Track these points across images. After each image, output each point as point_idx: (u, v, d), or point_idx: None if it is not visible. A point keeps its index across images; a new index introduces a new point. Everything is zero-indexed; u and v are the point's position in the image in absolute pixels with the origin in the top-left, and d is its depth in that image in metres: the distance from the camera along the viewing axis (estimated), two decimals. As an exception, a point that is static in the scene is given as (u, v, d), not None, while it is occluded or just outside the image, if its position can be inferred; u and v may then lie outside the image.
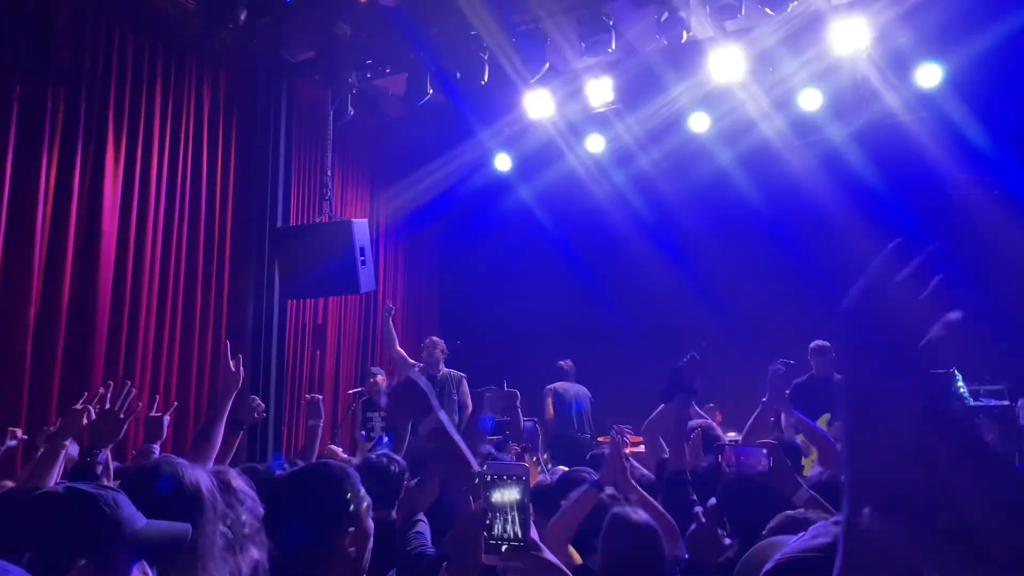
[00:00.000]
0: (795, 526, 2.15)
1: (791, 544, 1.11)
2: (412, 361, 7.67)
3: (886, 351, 0.75)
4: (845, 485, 0.78)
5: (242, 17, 7.41)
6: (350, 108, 8.41)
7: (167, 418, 3.54)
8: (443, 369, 7.58)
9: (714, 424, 5.32)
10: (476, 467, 1.80)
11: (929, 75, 8.15)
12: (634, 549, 2.39)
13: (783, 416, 4.93)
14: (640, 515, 2.47)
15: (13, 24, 6.53)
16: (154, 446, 3.39)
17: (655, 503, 2.94)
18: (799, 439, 5.60)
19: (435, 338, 7.77)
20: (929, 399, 0.73)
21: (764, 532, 2.27)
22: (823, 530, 1.03)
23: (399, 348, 7.88)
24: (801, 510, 2.33)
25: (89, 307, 6.96)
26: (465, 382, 7.54)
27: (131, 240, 7.34)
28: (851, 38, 7.53)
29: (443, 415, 1.89)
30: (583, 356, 9.09)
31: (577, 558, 2.77)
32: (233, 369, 3.52)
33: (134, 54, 7.49)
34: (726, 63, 7.88)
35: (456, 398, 7.36)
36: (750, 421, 5.17)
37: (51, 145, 6.75)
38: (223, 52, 8.34)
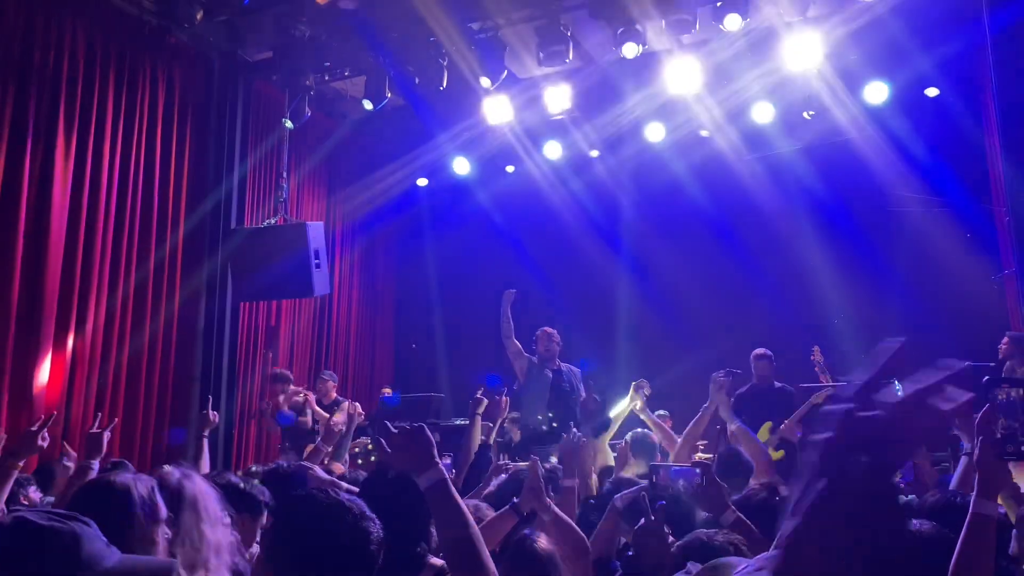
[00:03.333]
0: (702, 548, 2.19)
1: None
2: (527, 355, 6.98)
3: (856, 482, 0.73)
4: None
5: (198, 16, 7.37)
6: (308, 109, 8.38)
7: (107, 434, 3.53)
8: (559, 363, 6.93)
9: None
10: (472, 526, 1.70)
11: (877, 92, 8.39)
12: None
13: (728, 426, 5.06)
14: (543, 542, 2.47)
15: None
16: (94, 462, 3.37)
17: (570, 522, 2.96)
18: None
19: (548, 329, 6.98)
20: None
21: (673, 550, 2.33)
22: (767, 562, 1.03)
23: (516, 340, 7.09)
24: (714, 532, 2.37)
25: (37, 305, 6.83)
26: (577, 370, 6.97)
27: (80, 236, 7.21)
28: (804, 54, 7.72)
29: (445, 469, 1.79)
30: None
31: None
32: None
33: (86, 50, 7.36)
34: (682, 75, 8.02)
35: (581, 393, 6.68)
36: (689, 426, 5.30)
37: (-1, 140, 6.62)
38: (179, 50, 8.24)
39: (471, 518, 1.73)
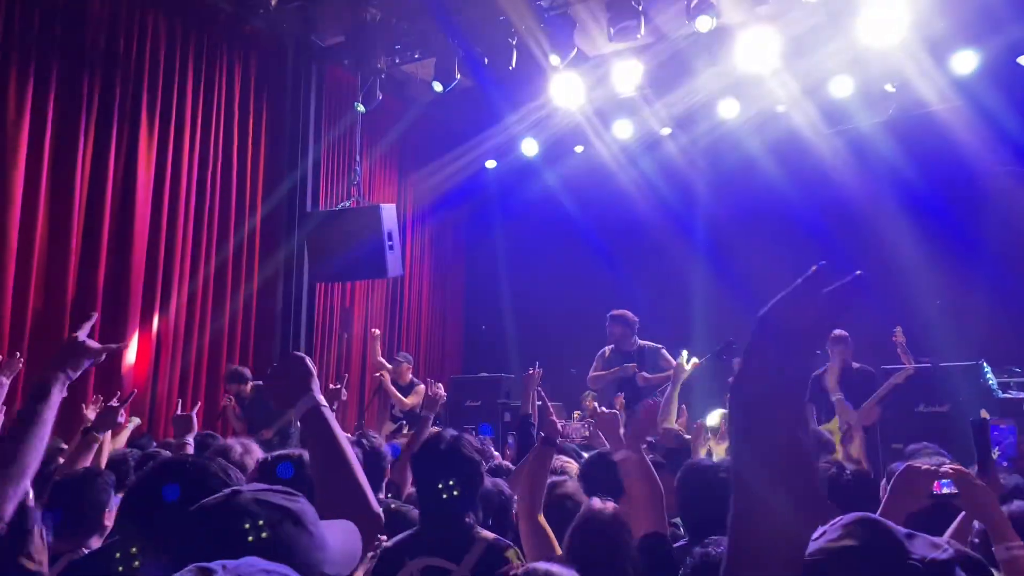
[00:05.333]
0: None
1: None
2: (598, 357, 6.95)
3: (777, 360, 0.91)
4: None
5: (273, 2, 7.48)
6: (379, 93, 8.45)
7: (194, 414, 3.69)
8: (638, 342, 6.85)
9: None
10: (355, 463, 1.61)
11: (965, 61, 8.01)
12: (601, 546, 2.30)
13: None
14: (608, 508, 2.39)
15: (50, 11, 6.66)
16: (188, 438, 3.50)
17: (645, 461, 2.85)
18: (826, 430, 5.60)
19: (615, 312, 6.94)
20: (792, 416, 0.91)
21: None
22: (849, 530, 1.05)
23: (590, 377, 7.06)
24: None
25: (123, 287, 7.11)
26: (664, 351, 6.82)
27: (163, 221, 7.48)
28: (886, 24, 7.41)
29: (320, 397, 1.67)
30: (605, 342, 9.10)
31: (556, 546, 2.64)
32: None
33: (166, 39, 7.59)
34: (757, 49, 7.79)
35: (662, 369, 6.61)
36: None
37: (87, 129, 6.90)
38: (254, 36, 8.42)
39: (349, 450, 1.63)
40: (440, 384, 5.04)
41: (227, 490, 1.21)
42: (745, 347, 0.95)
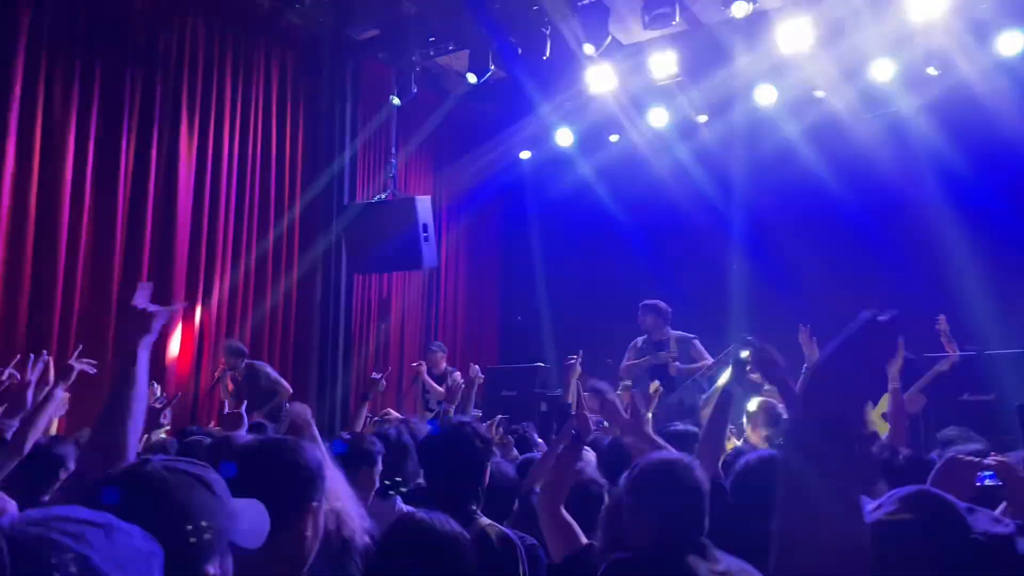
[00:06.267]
0: None
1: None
2: (630, 348, 7.00)
3: (836, 413, 0.93)
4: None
5: (309, -3, 7.55)
6: (413, 86, 8.49)
7: (243, 411, 3.73)
8: (671, 332, 6.85)
9: None
10: (134, 419, 1.82)
11: (1011, 43, 7.82)
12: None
13: None
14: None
15: (94, 12, 6.80)
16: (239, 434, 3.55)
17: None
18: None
19: (647, 301, 6.94)
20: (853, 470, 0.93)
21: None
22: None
23: (622, 367, 7.11)
24: None
25: (167, 279, 7.27)
26: (697, 341, 6.87)
27: (205, 215, 7.62)
28: (929, 5, 7.26)
29: (144, 348, 1.91)
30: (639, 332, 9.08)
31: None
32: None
33: (205, 36, 7.71)
34: (795, 33, 7.69)
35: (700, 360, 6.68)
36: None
37: (129, 127, 7.05)
38: (290, 32, 8.52)
39: (137, 406, 1.83)
40: (476, 366, 5.09)
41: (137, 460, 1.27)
42: (802, 393, 1.00)
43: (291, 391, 7.05)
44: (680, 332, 6.85)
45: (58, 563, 0.70)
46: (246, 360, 7.05)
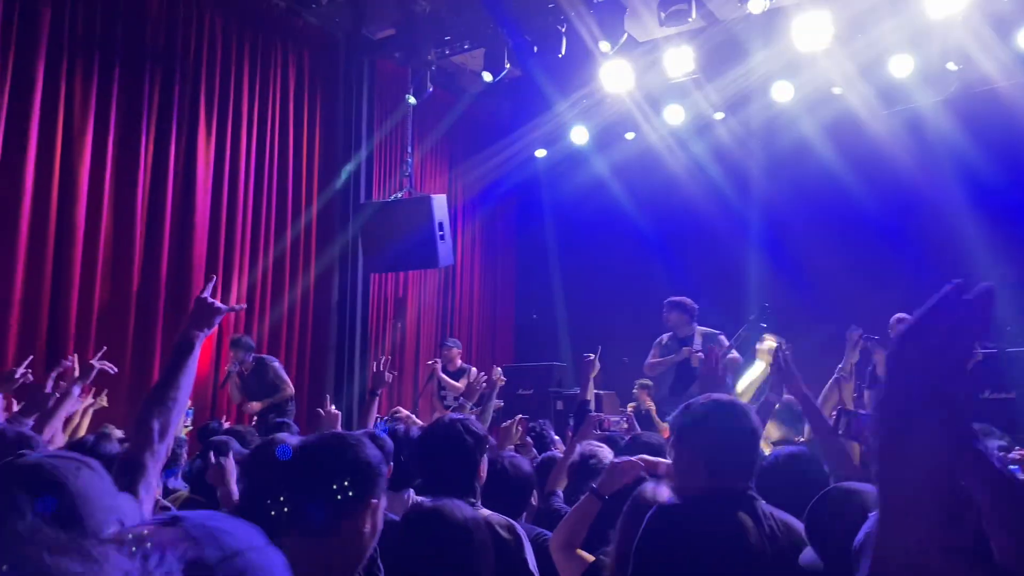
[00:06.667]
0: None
1: None
2: (656, 344, 6.97)
3: (929, 380, 0.87)
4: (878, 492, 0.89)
5: (325, -4, 7.58)
6: (429, 85, 8.50)
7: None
8: (697, 328, 6.81)
9: None
10: (181, 399, 1.98)
11: (1031, 37, 7.73)
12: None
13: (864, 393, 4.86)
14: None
15: (112, 13, 6.86)
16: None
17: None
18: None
19: (673, 298, 6.87)
20: (956, 432, 0.86)
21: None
22: None
23: (649, 362, 7.09)
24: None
25: (185, 279, 7.32)
26: (722, 336, 6.75)
27: (223, 215, 7.67)
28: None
29: (200, 339, 2.09)
30: (657, 330, 9.05)
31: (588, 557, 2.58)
32: None
33: (223, 36, 7.76)
34: (812, 29, 7.64)
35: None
36: (824, 390, 5.09)
37: (148, 126, 7.10)
38: (306, 31, 8.56)
39: (184, 385, 2.03)
40: (499, 368, 5.08)
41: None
42: (888, 367, 0.92)
43: (293, 391, 7.05)
44: (706, 328, 6.80)
45: None
46: (254, 355, 7.08)
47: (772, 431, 4.57)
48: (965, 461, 0.88)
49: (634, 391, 7.87)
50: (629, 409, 7.49)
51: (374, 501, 1.64)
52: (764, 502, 2.04)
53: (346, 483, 1.59)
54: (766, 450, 4.67)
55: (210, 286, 2.25)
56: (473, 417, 2.92)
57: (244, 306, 6.54)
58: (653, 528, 1.96)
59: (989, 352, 6.33)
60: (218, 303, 2.20)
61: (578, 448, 3.30)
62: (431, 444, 2.68)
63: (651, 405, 7.18)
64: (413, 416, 6.80)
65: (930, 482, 0.84)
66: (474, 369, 7.87)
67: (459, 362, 8.07)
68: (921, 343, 0.89)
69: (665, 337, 6.85)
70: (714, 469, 2.02)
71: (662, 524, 1.97)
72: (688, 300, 6.80)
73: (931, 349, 0.88)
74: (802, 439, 4.21)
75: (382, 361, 4.27)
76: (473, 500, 2.55)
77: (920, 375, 0.87)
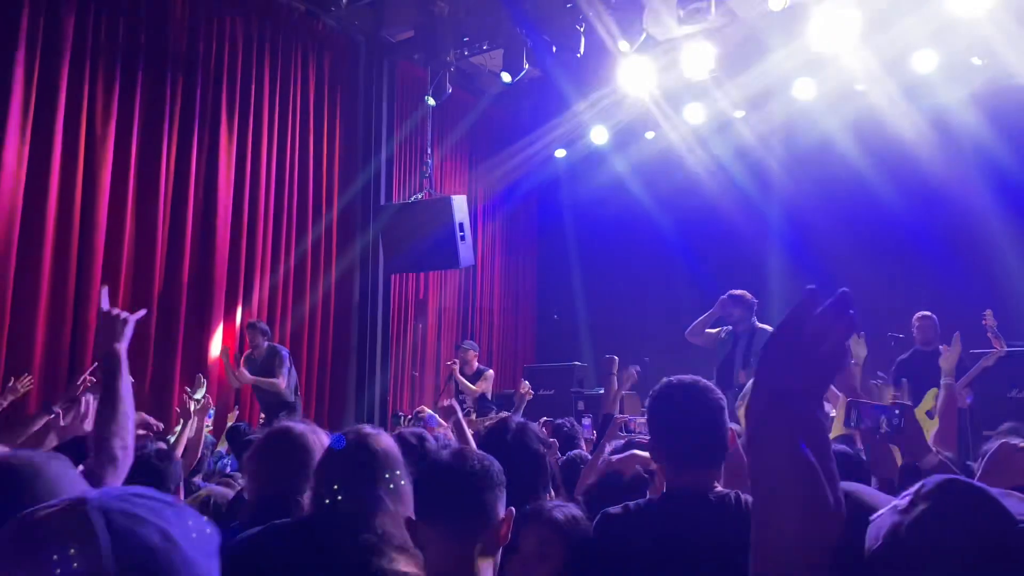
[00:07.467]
0: None
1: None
2: (713, 332, 6.82)
3: (785, 379, 0.97)
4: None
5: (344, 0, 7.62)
6: (448, 86, 8.52)
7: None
8: (756, 324, 6.65)
9: None
10: (126, 410, 1.97)
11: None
12: None
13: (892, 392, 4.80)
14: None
15: (134, 19, 6.94)
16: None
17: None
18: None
19: (735, 292, 6.68)
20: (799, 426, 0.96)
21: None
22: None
23: (703, 334, 6.93)
24: None
25: (208, 281, 7.39)
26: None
27: (244, 219, 7.73)
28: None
29: (123, 350, 2.06)
30: (679, 329, 9.00)
31: None
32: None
33: (243, 40, 7.82)
34: (834, 25, 7.56)
35: None
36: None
37: (170, 130, 7.18)
38: (326, 34, 8.61)
39: (125, 400, 2.01)
40: (527, 382, 5.07)
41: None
42: (756, 368, 1.02)
43: (284, 386, 6.92)
44: (766, 325, 6.66)
45: (145, 535, 0.75)
46: (268, 342, 7.11)
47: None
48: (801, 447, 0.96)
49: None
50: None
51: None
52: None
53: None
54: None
55: (104, 297, 2.22)
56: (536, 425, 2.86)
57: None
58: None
59: (1015, 351, 6.24)
60: (124, 314, 2.17)
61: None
62: (501, 449, 2.63)
63: None
64: (437, 416, 6.85)
65: (787, 473, 0.94)
66: (490, 371, 7.91)
67: (476, 364, 8.07)
68: (781, 346, 0.98)
69: (723, 331, 6.74)
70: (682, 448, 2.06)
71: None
72: (748, 294, 6.66)
73: (790, 351, 0.97)
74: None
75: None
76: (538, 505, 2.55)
77: (779, 375, 0.97)
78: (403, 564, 1.64)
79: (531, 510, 2.11)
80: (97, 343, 2.13)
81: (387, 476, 1.79)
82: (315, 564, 1.67)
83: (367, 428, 1.90)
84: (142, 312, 2.32)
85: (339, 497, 1.74)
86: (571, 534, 2.08)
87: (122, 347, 2.10)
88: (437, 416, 6.09)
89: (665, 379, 2.18)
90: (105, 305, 2.18)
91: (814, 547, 0.92)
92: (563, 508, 2.16)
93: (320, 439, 2.13)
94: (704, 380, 2.19)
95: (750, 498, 1.91)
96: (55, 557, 0.71)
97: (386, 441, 1.86)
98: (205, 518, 0.84)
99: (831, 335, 0.96)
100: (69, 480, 1.33)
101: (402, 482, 1.80)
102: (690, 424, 2.07)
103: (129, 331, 2.15)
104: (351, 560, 1.63)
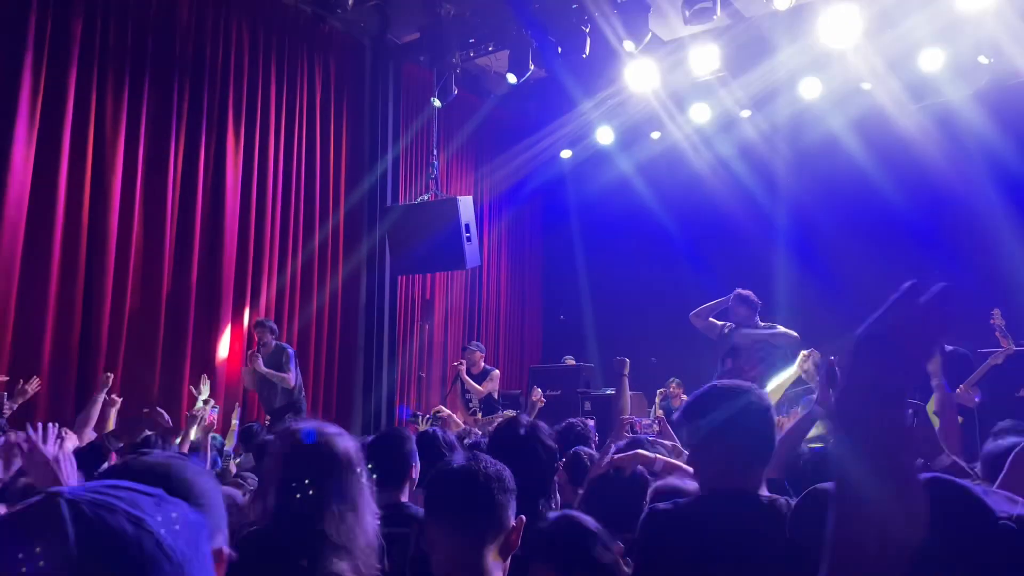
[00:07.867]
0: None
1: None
2: (718, 325, 6.86)
3: (884, 379, 0.89)
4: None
5: (350, 2, 7.64)
6: (454, 87, 8.54)
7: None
8: (760, 324, 6.76)
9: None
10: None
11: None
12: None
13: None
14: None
15: (142, 25, 6.98)
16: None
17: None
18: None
19: (741, 291, 6.79)
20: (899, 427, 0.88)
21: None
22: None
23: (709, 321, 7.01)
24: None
25: (216, 282, 7.43)
26: (781, 328, 6.74)
27: (252, 219, 7.77)
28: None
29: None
30: (685, 330, 8.99)
31: None
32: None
33: (250, 44, 7.85)
34: (840, 24, 7.55)
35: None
36: None
37: (178, 134, 7.21)
38: (332, 37, 8.64)
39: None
40: (539, 389, 5.07)
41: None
42: (845, 366, 0.95)
43: (292, 384, 6.98)
44: (774, 325, 6.71)
45: (114, 521, 0.74)
46: (276, 340, 7.13)
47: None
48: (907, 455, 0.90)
49: (670, 388, 7.87)
50: (658, 412, 7.46)
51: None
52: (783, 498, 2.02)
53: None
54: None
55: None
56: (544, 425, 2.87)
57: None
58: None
59: (1022, 350, 6.23)
60: (22, 440, 2.13)
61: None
62: (509, 448, 2.59)
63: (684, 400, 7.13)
64: (455, 416, 6.88)
65: (884, 472, 0.86)
66: (497, 371, 7.92)
67: (482, 364, 8.08)
68: (876, 344, 0.90)
69: (726, 326, 6.79)
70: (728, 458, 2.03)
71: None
72: (753, 295, 6.75)
73: (886, 350, 0.90)
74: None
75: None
76: (545, 503, 2.53)
77: (877, 374, 0.89)
78: (334, 564, 1.64)
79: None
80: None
81: (342, 477, 1.77)
82: (259, 564, 1.64)
83: (330, 428, 1.86)
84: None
85: (297, 496, 1.73)
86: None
87: (55, 456, 2.08)
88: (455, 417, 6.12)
89: (708, 384, 2.18)
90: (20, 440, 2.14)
91: (899, 557, 0.87)
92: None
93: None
94: (746, 383, 2.19)
95: (794, 501, 1.93)
96: (21, 547, 0.71)
97: (345, 443, 1.84)
98: (199, 512, 0.84)
99: (931, 331, 0.90)
100: (204, 480, 1.33)
101: (362, 482, 1.79)
102: (736, 426, 2.05)
103: (51, 451, 2.09)
104: (291, 560, 1.64)
